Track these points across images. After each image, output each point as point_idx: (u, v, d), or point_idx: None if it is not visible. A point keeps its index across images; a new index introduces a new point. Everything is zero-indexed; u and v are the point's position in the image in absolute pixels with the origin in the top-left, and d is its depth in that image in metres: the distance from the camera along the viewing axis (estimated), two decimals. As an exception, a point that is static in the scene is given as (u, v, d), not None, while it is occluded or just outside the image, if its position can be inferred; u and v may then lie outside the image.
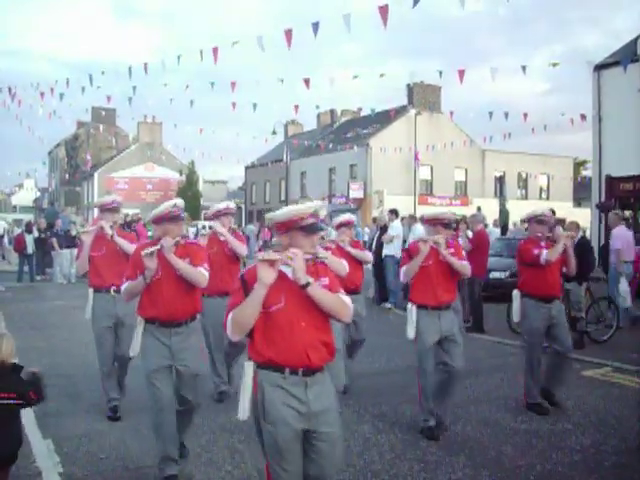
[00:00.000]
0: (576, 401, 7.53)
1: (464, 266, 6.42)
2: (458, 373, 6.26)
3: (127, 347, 5.71)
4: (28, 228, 22.31)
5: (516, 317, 7.36)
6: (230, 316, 3.61)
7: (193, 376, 5.24)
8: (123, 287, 5.27)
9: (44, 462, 5.53)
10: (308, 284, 3.56)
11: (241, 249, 7.53)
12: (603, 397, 7.72)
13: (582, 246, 10.78)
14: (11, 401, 4.04)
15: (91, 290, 7.00)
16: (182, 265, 5.11)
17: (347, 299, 3.77)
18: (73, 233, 21.41)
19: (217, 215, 7.67)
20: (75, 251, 21.37)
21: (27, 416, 6.27)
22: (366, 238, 18.71)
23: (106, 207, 7.03)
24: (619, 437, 6.29)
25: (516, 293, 7.29)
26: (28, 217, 40.16)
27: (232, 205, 8.00)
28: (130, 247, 6.48)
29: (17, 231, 23.06)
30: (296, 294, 3.61)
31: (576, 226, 11.02)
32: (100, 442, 6.07)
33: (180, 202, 5.33)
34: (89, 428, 6.48)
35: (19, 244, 21.29)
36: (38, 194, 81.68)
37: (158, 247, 5.04)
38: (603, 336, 10.88)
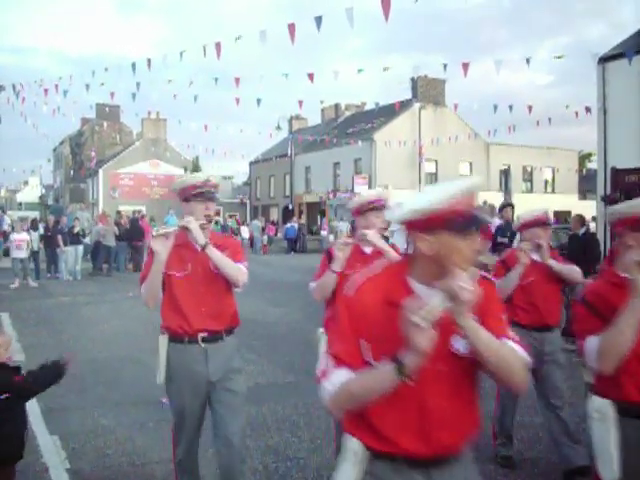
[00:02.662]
0: (579, 392, 7.51)
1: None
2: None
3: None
4: (34, 225, 22.35)
5: None
6: None
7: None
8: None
9: (51, 458, 5.55)
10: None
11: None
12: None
13: (587, 239, 10.78)
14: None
15: (164, 338, 4.18)
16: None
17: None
18: (76, 230, 21.45)
19: (362, 210, 4.65)
20: (80, 248, 21.49)
21: (34, 412, 6.31)
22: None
23: (196, 191, 4.14)
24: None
25: None
26: (34, 214, 40.20)
27: (383, 193, 4.89)
28: (232, 266, 4.12)
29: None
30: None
31: (580, 220, 11.00)
32: (107, 438, 6.08)
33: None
34: (95, 424, 6.50)
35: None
36: (43, 191, 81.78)
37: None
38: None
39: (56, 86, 19.75)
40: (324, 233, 38.00)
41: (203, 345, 4.09)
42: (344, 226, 34.80)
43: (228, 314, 4.22)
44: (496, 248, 10.64)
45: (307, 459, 5.57)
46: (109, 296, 16.70)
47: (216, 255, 4.05)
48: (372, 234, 4.45)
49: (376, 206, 4.57)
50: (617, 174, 26.74)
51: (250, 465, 5.35)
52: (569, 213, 35.78)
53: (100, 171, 58.07)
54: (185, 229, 4.06)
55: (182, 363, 4.10)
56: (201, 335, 4.08)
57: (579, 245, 10.54)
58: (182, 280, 4.10)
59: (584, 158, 62.86)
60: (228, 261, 4.09)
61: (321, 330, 4.59)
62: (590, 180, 41.34)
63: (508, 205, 12.73)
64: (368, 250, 4.56)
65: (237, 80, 18.54)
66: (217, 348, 4.13)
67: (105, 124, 57.00)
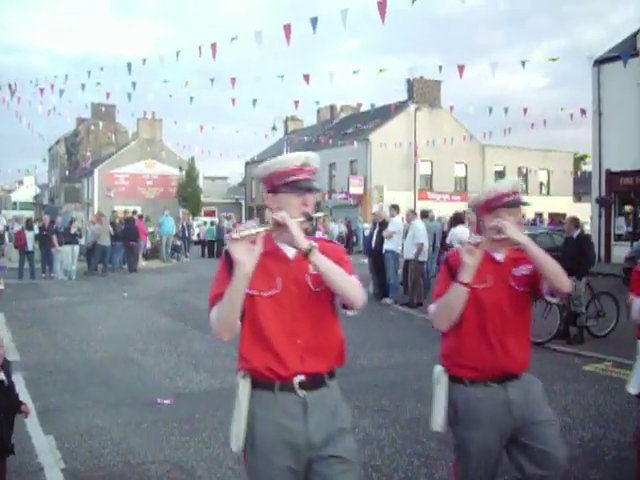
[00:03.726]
0: (575, 395, 7.55)
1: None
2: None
3: None
4: (28, 225, 22.31)
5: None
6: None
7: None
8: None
9: (46, 458, 5.53)
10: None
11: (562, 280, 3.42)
12: (603, 391, 7.75)
13: (582, 241, 10.80)
14: None
15: (245, 384, 2.93)
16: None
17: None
18: (73, 230, 21.42)
19: (493, 206, 3.50)
20: (77, 248, 21.47)
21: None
22: (366, 233, 18.74)
23: (290, 179, 2.98)
24: (619, 431, 6.30)
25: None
26: (29, 214, 40.16)
27: (518, 184, 3.70)
28: (348, 280, 2.91)
29: (17, 228, 22.96)
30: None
31: (574, 222, 11.03)
32: (102, 438, 6.08)
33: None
34: (90, 424, 6.50)
35: (19, 241, 21.28)
36: (38, 191, 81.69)
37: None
38: (603, 331, 10.90)
39: (52, 86, 19.74)
40: (319, 234, 37.94)
41: (301, 393, 2.86)
42: (336, 228, 34.90)
43: (333, 348, 2.97)
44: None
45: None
46: (104, 296, 16.67)
47: (326, 265, 2.80)
48: (511, 226, 3.31)
49: (512, 201, 3.48)
50: (612, 177, 26.88)
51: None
52: (564, 215, 35.82)
53: (95, 171, 58.01)
54: (277, 228, 2.83)
55: (271, 420, 2.86)
56: (298, 379, 2.85)
57: (573, 247, 10.57)
58: (269, 301, 2.88)
59: (579, 160, 63.01)
60: (342, 272, 2.86)
61: (440, 368, 3.52)
62: (585, 182, 41.46)
63: None
64: (500, 257, 3.51)
65: (233, 81, 18.54)
66: (320, 398, 2.90)
67: (101, 124, 57.02)
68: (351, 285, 2.88)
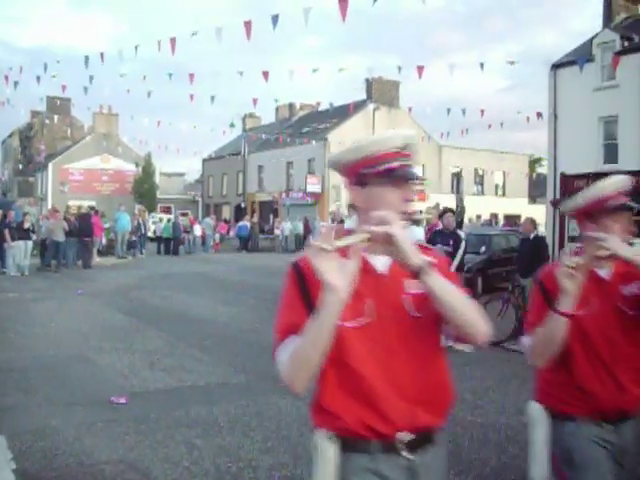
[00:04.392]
0: (530, 394, 7.62)
1: None
2: None
3: None
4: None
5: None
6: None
7: None
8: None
9: (-3, 458, 5.42)
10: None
11: None
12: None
13: (538, 242, 10.97)
14: None
15: (331, 447, 2.14)
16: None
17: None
18: (26, 225, 21.06)
19: (596, 211, 2.91)
20: (30, 243, 21.10)
21: (-21, 411, 6.17)
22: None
23: (387, 165, 2.17)
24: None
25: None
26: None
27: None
28: (470, 306, 2.19)
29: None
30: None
31: (532, 223, 11.19)
32: (55, 438, 5.96)
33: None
34: (43, 423, 6.37)
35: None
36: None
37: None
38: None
39: (6, 77, 19.35)
40: (277, 232, 38.01)
41: (408, 456, 2.15)
42: (287, 227, 34.98)
43: (444, 393, 2.26)
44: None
45: (259, 460, 5.54)
46: (57, 293, 16.41)
47: (444, 286, 2.09)
48: (614, 239, 2.75)
49: (618, 205, 2.87)
50: (566, 179, 27.28)
51: (202, 466, 5.31)
52: (519, 217, 36.29)
53: (50, 165, 57.14)
54: (380, 237, 2.04)
55: None
56: (404, 437, 2.13)
57: (530, 248, 10.72)
58: (358, 333, 2.13)
59: (535, 163, 63.96)
60: (461, 295, 2.15)
61: (537, 406, 3.04)
62: (540, 185, 42.09)
63: (449, 211, 11.64)
64: (605, 274, 2.90)
65: (191, 76, 18.41)
66: (431, 460, 2.21)
67: (56, 117, 56.14)
68: (473, 312, 2.14)
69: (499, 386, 8.08)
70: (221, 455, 5.61)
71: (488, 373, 8.68)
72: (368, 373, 2.11)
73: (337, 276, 1.93)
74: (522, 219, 12.04)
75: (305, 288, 2.09)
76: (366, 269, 2.11)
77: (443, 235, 10.58)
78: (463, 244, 10.18)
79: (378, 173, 2.14)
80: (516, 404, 7.13)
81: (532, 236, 10.98)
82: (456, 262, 9.77)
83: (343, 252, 1.97)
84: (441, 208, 16.02)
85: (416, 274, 2.03)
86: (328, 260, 1.92)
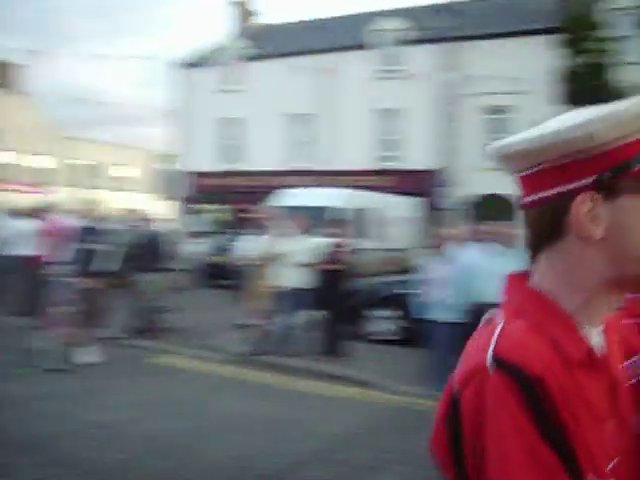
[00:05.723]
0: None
1: None
2: None
3: None
4: None
5: None
6: None
7: None
8: None
9: None
10: None
11: None
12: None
13: (156, 238, 11.14)
14: None
15: None
16: None
17: None
18: None
19: None
20: None
21: None
22: None
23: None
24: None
25: None
26: None
27: None
28: None
29: None
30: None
31: (147, 219, 11.46)
32: None
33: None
34: None
35: None
36: None
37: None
38: (179, 324, 11.21)
39: None
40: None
41: None
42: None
43: None
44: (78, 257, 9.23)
45: None
46: None
47: None
48: None
49: None
50: (193, 176, 28.26)
51: None
52: (142, 212, 36.49)
53: None
54: None
55: None
56: None
57: (150, 244, 10.82)
58: None
59: (162, 158, 64.62)
60: None
61: None
62: (166, 181, 42.72)
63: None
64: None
65: None
66: None
67: None
68: None
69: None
70: None
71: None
72: None
73: None
74: (141, 213, 12.26)
75: (550, 420, 0.94)
76: (592, 361, 1.03)
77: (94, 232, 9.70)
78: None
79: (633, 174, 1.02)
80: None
81: (150, 232, 11.17)
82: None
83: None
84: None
85: None
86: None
